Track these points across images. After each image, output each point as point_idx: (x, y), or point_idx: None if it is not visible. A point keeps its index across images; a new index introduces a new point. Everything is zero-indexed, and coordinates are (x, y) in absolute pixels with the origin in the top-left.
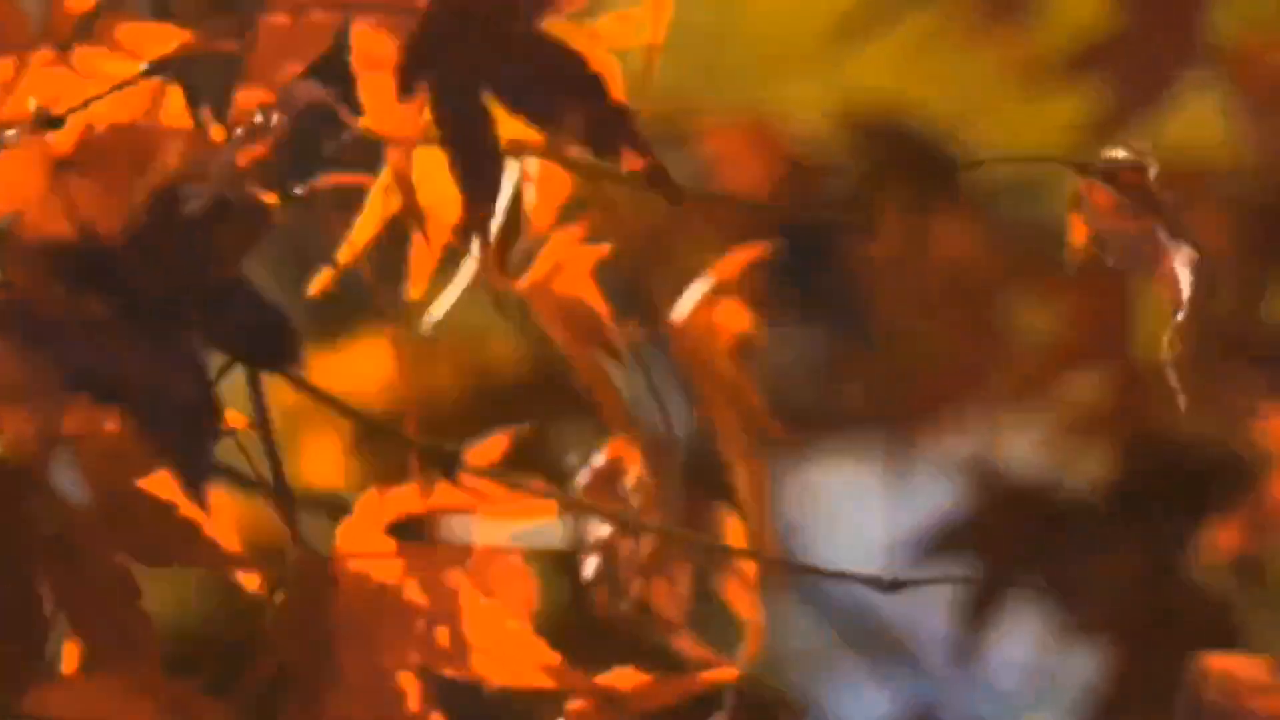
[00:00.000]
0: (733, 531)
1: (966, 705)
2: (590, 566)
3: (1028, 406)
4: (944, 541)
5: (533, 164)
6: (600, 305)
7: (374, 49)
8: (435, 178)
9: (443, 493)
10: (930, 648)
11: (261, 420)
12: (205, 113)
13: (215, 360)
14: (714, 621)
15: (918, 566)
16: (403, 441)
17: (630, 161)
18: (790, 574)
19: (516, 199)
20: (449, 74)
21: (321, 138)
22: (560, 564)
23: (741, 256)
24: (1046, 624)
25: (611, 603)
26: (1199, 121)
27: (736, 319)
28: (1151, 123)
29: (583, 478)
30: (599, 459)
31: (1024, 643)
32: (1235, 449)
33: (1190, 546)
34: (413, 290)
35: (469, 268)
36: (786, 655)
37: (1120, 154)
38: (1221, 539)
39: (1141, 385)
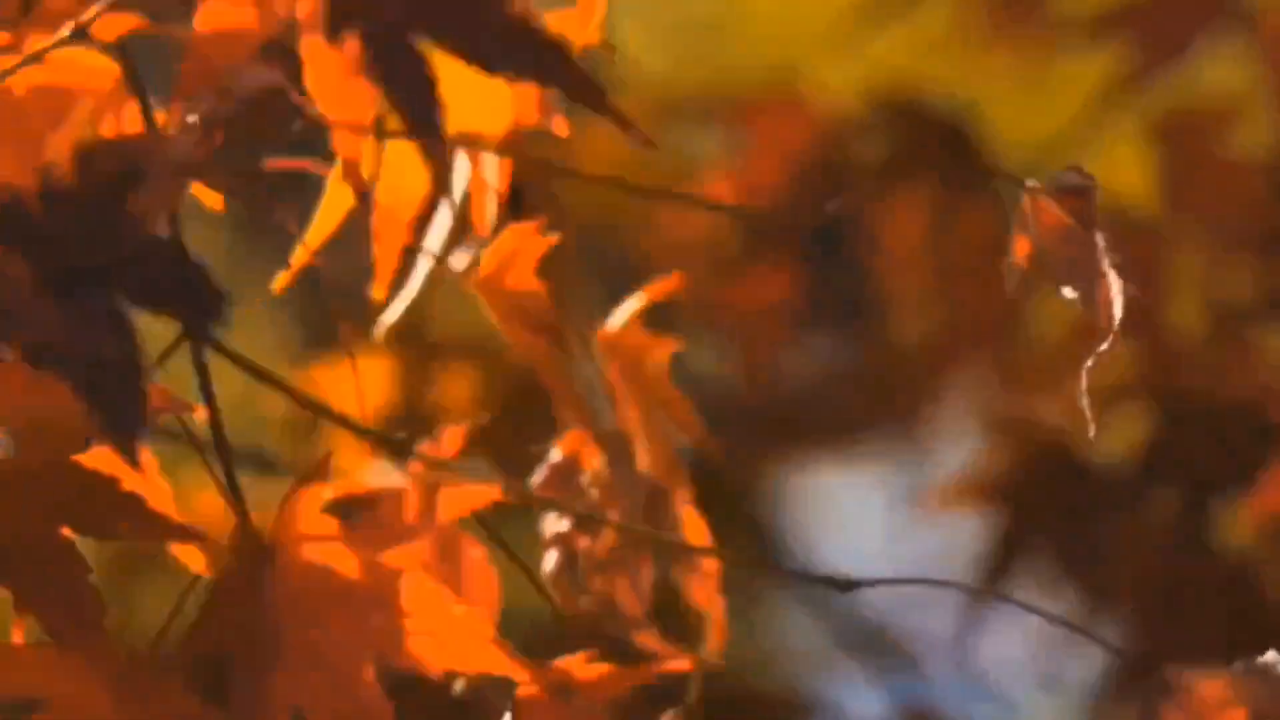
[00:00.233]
0: (692, 525)
1: (963, 705)
2: (550, 561)
3: (1055, 374)
4: (967, 492)
5: (487, 159)
6: (550, 299)
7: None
8: (393, 175)
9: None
10: (928, 647)
11: (206, 390)
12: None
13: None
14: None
15: (938, 522)
16: (358, 432)
17: (576, 95)
18: (750, 572)
19: (466, 194)
20: (377, 20)
21: (271, 122)
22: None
23: (667, 285)
24: (1068, 588)
25: (572, 598)
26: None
27: (661, 343)
28: (1171, 86)
29: (540, 471)
30: (556, 453)
31: (1026, 642)
32: (1266, 414)
33: (1220, 512)
34: (376, 290)
35: (423, 267)
36: (785, 654)
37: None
38: (1252, 505)
39: (1171, 351)
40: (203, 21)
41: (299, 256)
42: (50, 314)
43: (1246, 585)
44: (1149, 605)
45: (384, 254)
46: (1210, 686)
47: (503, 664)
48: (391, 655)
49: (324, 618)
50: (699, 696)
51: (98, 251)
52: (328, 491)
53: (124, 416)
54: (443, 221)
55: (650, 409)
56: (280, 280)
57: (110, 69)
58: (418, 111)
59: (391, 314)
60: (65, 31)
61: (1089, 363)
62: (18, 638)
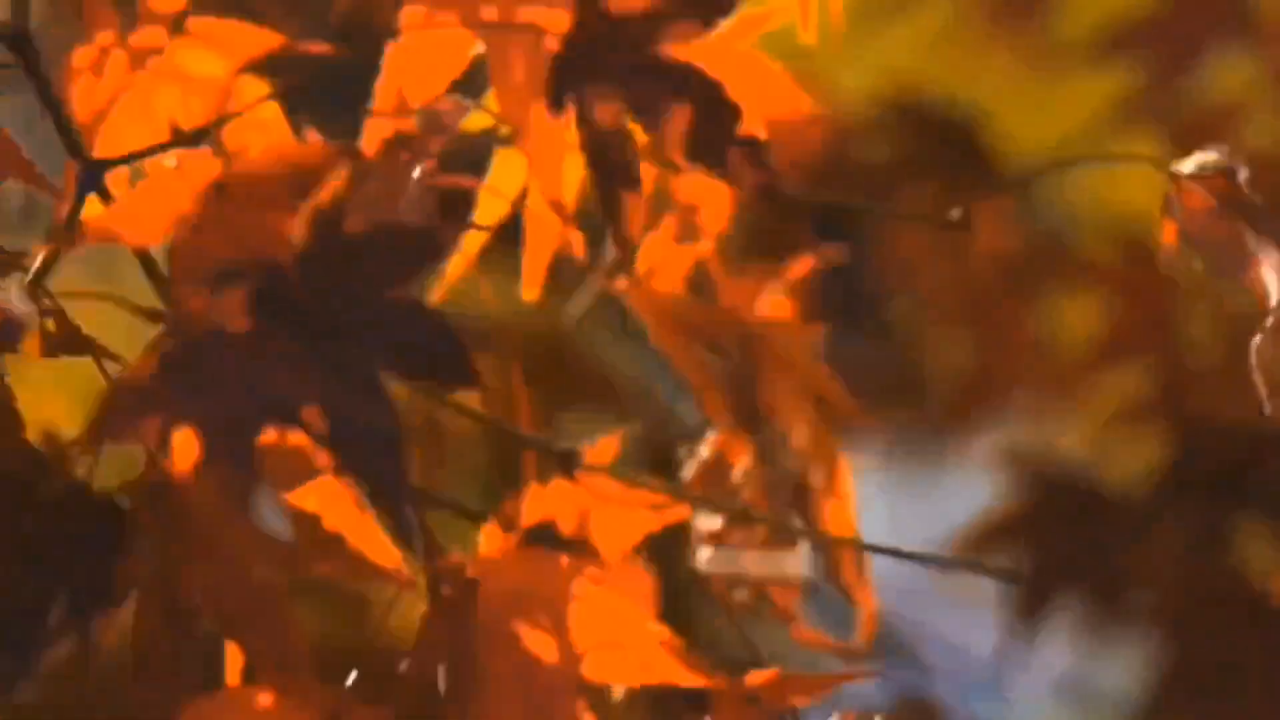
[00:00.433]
0: (839, 519)
1: (962, 697)
2: (704, 558)
3: (1071, 398)
4: (989, 534)
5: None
6: (698, 302)
7: (509, 68)
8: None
9: (564, 493)
10: (928, 639)
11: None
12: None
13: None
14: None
15: (962, 563)
16: (520, 442)
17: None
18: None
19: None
20: (591, 95)
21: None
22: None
23: (812, 259)
24: (1092, 615)
25: (728, 594)
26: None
27: (805, 327)
28: (1181, 97)
29: (689, 470)
30: (704, 452)
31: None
32: None
33: (1238, 536)
34: (527, 292)
35: (599, 270)
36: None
37: (1210, 157)
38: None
39: (1187, 374)
40: (389, 70)
41: (456, 267)
42: (312, 381)
43: (1268, 606)
44: (1173, 628)
45: (535, 259)
46: None
47: (696, 676)
48: (588, 673)
49: (524, 642)
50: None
51: (349, 316)
52: (522, 521)
53: (389, 486)
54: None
55: (804, 391)
56: (438, 291)
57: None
58: (617, 210)
59: (575, 310)
60: (264, 95)
61: (1256, 340)
62: (232, 678)
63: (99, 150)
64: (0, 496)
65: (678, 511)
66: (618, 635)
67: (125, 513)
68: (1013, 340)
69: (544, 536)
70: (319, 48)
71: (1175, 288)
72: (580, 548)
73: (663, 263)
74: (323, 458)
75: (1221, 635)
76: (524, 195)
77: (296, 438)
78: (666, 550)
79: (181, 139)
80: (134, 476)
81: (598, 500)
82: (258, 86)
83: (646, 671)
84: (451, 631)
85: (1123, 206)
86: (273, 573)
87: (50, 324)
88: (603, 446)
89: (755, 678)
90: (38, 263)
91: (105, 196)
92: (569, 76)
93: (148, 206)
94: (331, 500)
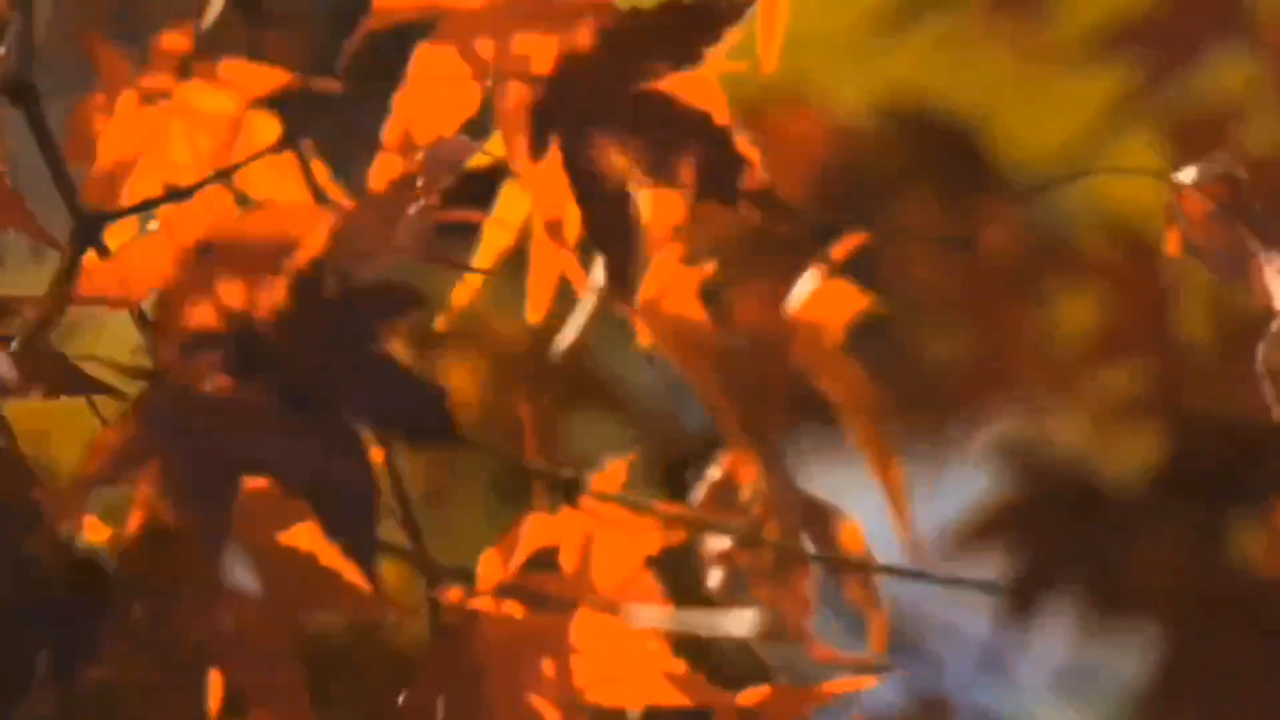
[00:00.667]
0: (849, 535)
1: (979, 697)
2: (714, 579)
3: (1069, 394)
4: (984, 529)
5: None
6: (708, 322)
7: (514, 108)
8: (548, 205)
9: (567, 519)
10: (943, 639)
11: (399, 491)
12: (326, 179)
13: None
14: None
15: (956, 557)
16: (524, 470)
17: (750, 214)
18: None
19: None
20: (577, 133)
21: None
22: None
23: (849, 243)
24: (1089, 612)
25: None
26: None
27: (850, 300)
28: (1179, 97)
29: (699, 492)
30: (714, 472)
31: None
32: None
33: (1236, 532)
34: (531, 315)
35: (592, 293)
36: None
37: (1210, 165)
38: (1270, 521)
39: (1182, 371)
40: (399, 109)
41: (460, 295)
42: (289, 439)
43: (1266, 602)
44: (1170, 625)
45: (540, 283)
46: None
47: (697, 696)
48: (590, 696)
49: (527, 669)
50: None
51: (329, 374)
52: (520, 551)
53: (362, 540)
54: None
55: (842, 385)
56: (442, 321)
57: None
58: (613, 247)
59: (564, 340)
60: (265, 149)
61: (1262, 345)
62: (214, 706)
63: (114, 200)
64: None
65: (676, 535)
66: (619, 660)
67: (108, 573)
68: (1011, 337)
69: (544, 564)
70: (328, 84)
71: (1173, 285)
72: (582, 576)
73: (671, 285)
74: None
75: (1218, 630)
76: (528, 225)
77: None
78: (678, 573)
79: (176, 194)
80: (124, 522)
81: (603, 526)
82: (268, 125)
83: (647, 694)
84: (451, 664)
85: (1121, 204)
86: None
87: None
88: (611, 472)
89: (749, 696)
90: (32, 325)
91: (103, 251)
92: (552, 117)
93: (131, 268)
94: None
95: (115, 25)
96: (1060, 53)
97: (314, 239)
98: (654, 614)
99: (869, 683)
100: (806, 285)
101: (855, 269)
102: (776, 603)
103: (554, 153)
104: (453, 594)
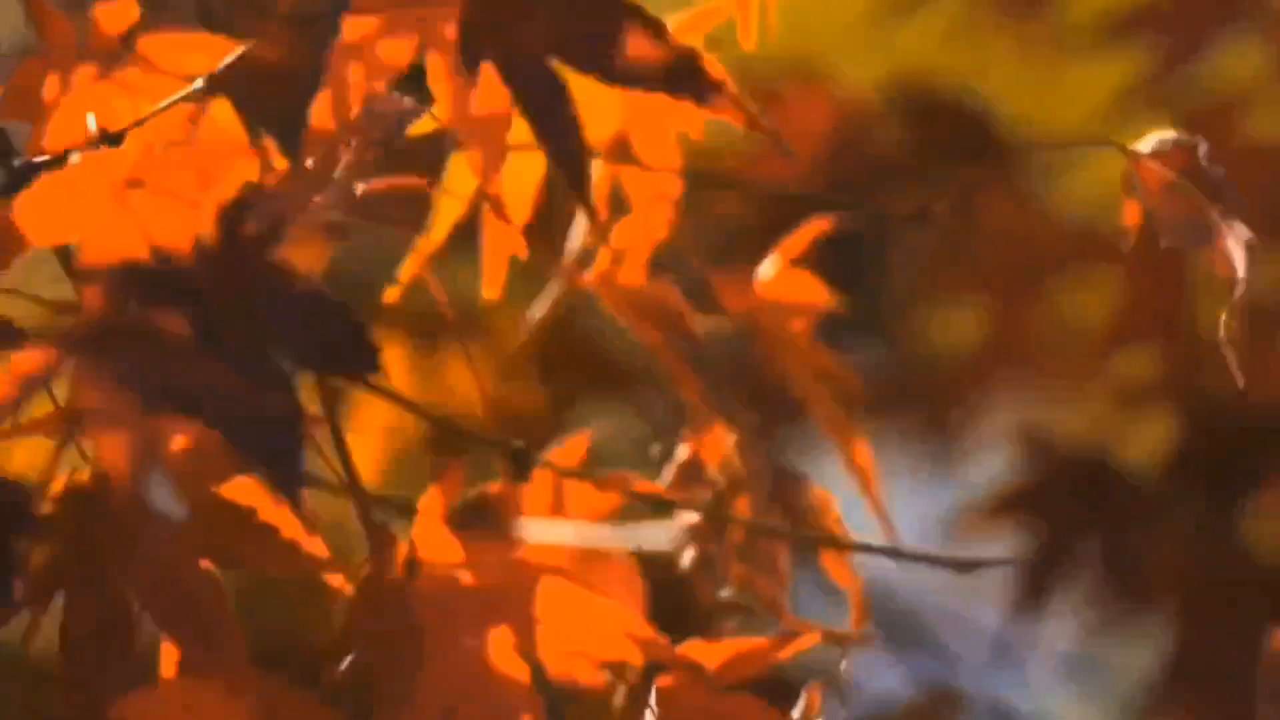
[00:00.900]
0: (822, 505)
1: (988, 685)
2: (686, 557)
3: (1082, 379)
4: (998, 511)
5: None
6: (669, 292)
7: (439, 62)
8: (506, 183)
9: (527, 492)
10: (954, 628)
11: (333, 424)
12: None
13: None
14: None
15: (972, 540)
16: (478, 443)
17: (716, 106)
18: (876, 556)
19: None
20: (513, 47)
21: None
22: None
23: (810, 230)
24: (1101, 596)
25: (712, 590)
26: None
27: (812, 291)
28: (1190, 83)
29: (669, 468)
30: (683, 448)
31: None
32: None
33: (1249, 517)
34: (488, 291)
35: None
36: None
37: (1169, 135)
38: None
39: (1196, 356)
40: (338, 59)
41: (409, 268)
42: (211, 372)
43: (1278, 587)
44: (1182, 609)
45: (494, 259)
46: None
47: (648, 649)
48: (533, 648)
49: (466, 621)
50: (849, 670)
51: (252, 308)
52: (457, 500)
53: (288, 470)
54: (579, 228)
55: (807, 368)
56: (392, 292)
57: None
58: (557, 135)
59: (536, 313)
60: (197, 81)
61: (1224, 315)
62: (167, 671)
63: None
64: None
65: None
66: (567, 612)
67: (31, 509)
68: (1024, 321)
69: (478, 518)
70: (267, 52)
71: (1185, 270)
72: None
73: (629, 253)
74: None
75: (1230, 615)
76: (479, 196)
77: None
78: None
79: (107, 137)
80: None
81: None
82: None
83: (602, 651)
84: (387, 620)
85: None
86: (210, 565)
87: None
88: (570, 447)
89: (693, 648)
90: None
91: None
92: (482, 36)
93: (54, 204)
94: (264, 494)
95: None
96: (1069, 39)
97: (238, 176)
98: (560, 529)
99: (811, 640)
100: (769, 269)
101: (848, 252)
102: (750, 578)
103: (485, 72)
104: (394, 549)
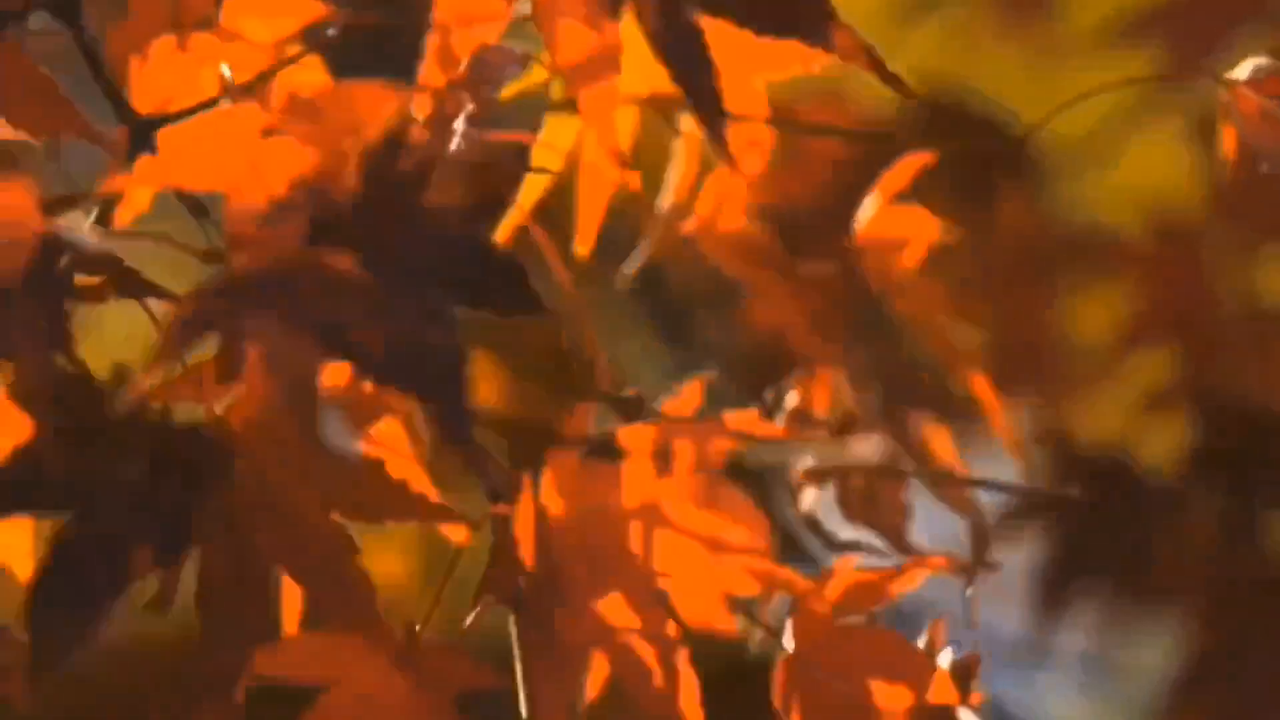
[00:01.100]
0: (939, 441)
1: (1005, 687)
2: (807, 498)
3: (1100, 381)
4: (1015, 516)
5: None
6: (769, 236)
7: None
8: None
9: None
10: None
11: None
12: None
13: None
14: None
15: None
16: (587, 394)
17: (846, 51)
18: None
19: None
20: None
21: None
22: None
23: (911, 164)
24: (1120, 598)
25: (834, 531)
26: None
27: (919, 223)
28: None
29: (783, 409)
30: (793, 396)
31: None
32: None
33: (1268, 518)
34: (580, 247)
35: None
36: None
37: (1264, 61)
38: None
39: (1214, 357)
40: (443, 9)
41: (513, 220)
42: (376, 311)
43: None
44: (1201, 611)
45: (589, 212)
46: None
47: (777, 583)
48: (664, 585)
49: (602, 561)
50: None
51: (410, 247)
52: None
53: (455, 411)
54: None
55: (917, 304)
56: (517, 216)
57: None
58: (696, 80)
59: (632, 264)
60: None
61: None
62: (290, 628)
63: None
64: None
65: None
66: (699, 547)
67: (210, 445)
68: (1042, 322)
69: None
70: (365, 17)
71: (1204, 269)
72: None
73: (727, 201)
74: (388, 397)
75: (1249, 617)
76: (577, 148)
77: (361, 382)
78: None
79: (231, 92)
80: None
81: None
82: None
83: (725, 584)
84: (519, 565)
85: (1152, 188)
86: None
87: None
88: (685, 395)
89: (820, 583)
90: (95, 209)
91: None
92: None
93: (200, 151)
94: (394, 447)
95: None
96: (1077, 44)
97: (383, 117)
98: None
99: (941, 563)
100: (870, 208)
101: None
102: (872, 518)
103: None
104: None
